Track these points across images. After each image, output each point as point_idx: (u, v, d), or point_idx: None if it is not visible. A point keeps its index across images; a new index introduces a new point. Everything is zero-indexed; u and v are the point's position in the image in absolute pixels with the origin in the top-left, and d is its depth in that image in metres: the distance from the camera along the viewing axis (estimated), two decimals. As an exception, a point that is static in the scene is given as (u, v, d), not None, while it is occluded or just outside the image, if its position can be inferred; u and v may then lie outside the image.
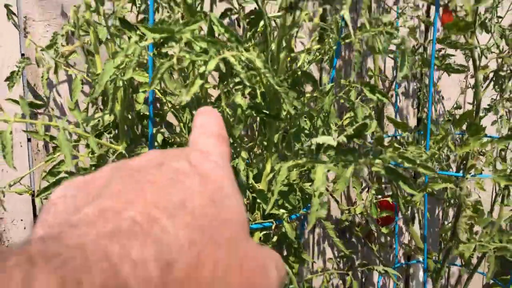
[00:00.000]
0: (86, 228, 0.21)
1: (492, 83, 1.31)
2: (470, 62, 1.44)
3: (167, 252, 0.20)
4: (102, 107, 0.95)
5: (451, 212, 1.76)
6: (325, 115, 1.01)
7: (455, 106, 1.63)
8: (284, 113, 0.84)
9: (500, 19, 1.40)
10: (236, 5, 0.88)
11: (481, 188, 1.16)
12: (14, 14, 1.01)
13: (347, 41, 0.82)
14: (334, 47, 0.82)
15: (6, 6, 0.98)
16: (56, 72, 0.84)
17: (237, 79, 0.76)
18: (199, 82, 0.59)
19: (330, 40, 0.81)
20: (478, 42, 1.49)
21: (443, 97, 1.77)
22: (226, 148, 0.30)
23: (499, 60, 1.21)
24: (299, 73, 0.85)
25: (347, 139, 0.72)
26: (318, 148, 0.75)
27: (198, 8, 0.83)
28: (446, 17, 1.10)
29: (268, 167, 0.82)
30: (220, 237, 0.23)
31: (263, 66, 0.67)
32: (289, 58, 0.81)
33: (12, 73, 1.04)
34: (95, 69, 0.84)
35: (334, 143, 0.71)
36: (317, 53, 0.87)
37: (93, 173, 0.27)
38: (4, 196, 0.85)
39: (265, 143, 0.84)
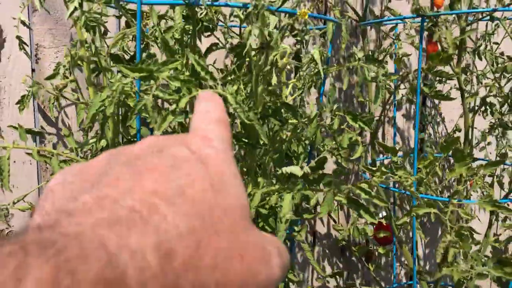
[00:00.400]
0: (83, 216, 0.20)
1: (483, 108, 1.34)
2: (469, 87, 1.47)
3: (166, 241, 0.20)
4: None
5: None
6: (311, 140, 1.06)
7: (454, 128, 1.66)
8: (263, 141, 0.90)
9: (496, 46, 1.43)
10: (223, 40, 0.94)
11: (466, 214, 1.19)
12: (26, 44, 1.10)
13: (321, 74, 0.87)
14: (308, 83, 0.88)
15: (18, 37, 1.07)
16: (57, 99, 0.92)
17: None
18: (170, 118, 0.66)
19: (305, 74, 0.86)
20: (476, 68, 1.53)
21: (444, 119, 1.79)
22: (227, 133, 0.29)
23: (487, 88, 1.24)
24: (279, 104, 0.91)
25: (311, 170, 0.77)
26: (289, 176, 0.80)
27: (192, 42, 0.90)
28: (431, 47, 1.14)
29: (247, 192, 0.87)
30: (220, 225, 0.22)
31: (234, 103, 0.73)
32: (268, 91, 0.87)
33: (23, 96, 1.13)
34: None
35: (300, 173, 0.76)
36: (298, 85, 0.93)
37: (91, 160, 0.27)
38: (8, 213, 0.92)
39: (245, 169, 0.90)
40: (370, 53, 1.42)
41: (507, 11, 1.30)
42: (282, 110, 0.94)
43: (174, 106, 0.68)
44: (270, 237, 0.26)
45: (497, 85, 1.20)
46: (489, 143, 1.22)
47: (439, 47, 1.13)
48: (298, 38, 0.78)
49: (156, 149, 0.25)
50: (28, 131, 0.86)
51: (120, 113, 0.86)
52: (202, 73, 0.75)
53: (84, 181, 0.25)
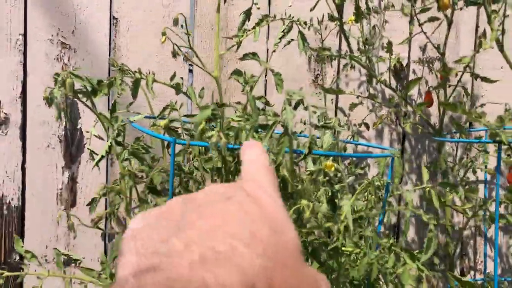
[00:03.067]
0: (179, 259, 0.24)
1: None
2: None
3: (248, 278, 0.24)
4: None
5: None
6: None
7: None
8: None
9: None
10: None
11: None
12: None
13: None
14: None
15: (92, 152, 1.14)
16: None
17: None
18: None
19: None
20: None
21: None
22: (274, 178, 0.33)
23: None
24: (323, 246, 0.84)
25: None
26: None
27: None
28: (511, 176, 1.01)
29: None
30: (285, 262, 0.26)
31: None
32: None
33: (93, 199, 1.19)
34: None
35: None
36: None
37: (165, 206, 0.31)
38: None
39: None
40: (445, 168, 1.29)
41: None
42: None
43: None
44: (318, 272, 0.30)
45: None
46: None
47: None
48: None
49: (223, 197, 0.29)
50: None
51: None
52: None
53: (167, 225, 0.28)
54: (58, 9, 1.34)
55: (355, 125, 1.48)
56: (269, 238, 0.26)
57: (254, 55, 0.93)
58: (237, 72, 0.97)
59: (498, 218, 1.02)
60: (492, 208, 1.28)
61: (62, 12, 1.34)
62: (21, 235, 1.37)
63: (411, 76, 1.53)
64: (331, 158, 0.69)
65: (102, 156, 0.76)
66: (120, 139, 0.77)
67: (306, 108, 0.64)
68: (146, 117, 0.98)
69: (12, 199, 1.36)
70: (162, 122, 0.77)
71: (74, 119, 1.37)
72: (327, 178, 0.73)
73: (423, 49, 1.52)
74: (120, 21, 1.37)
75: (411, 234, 1.58)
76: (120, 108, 1.02)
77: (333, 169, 0.67)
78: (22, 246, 0.88)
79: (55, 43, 1.34)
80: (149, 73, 1.00)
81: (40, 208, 1.36)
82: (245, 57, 0.94)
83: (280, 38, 0.93)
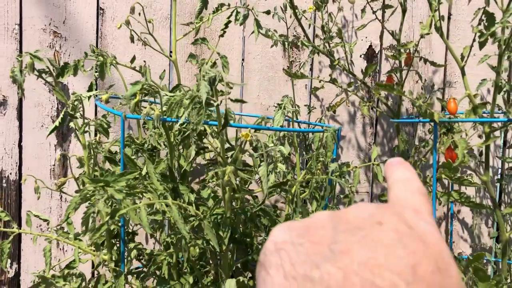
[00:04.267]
0: None
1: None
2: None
3: None
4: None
5: None
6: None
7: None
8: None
9: None
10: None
11: None
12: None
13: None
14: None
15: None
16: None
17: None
18: (104, 227, 0.74)
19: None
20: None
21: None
22: (430, 205, 0.29)
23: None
24: (253, 210, 0.94)
25: None
26: None
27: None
28: (448, 154, 1.07)
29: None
30: None
31: (177, 217, 0.79)
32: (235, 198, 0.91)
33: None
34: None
35: (235, 288, 0.78)
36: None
37: (310, 220, 0.29)
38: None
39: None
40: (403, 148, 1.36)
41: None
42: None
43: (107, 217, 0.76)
44: None
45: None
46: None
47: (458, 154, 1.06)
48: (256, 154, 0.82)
49: (374, 220, 0.26)
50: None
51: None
52: (157, 184, 0.83)
53: (314, 245, 0.26)
54: (50, 0, 1.47)
55: (328, 109, 1.56)
56: (434, 278, 0.24)
57: (203, 40, 1.02)
58: (192, 56, 1.07)
59: (435, 195, 1.09)
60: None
61: (54, 3, 1.47)
62: (19, 207, 1.51)
63: (383, 62, 1.59)
64: (250, 129, 0.79)
65: (55, 127, 0.88)
66: (74, 113, 0.88)
67: (223, 84, 0.74)
68: (112, 97, 1.09)
69: (10, 173, 1.51)
70: (103, 97, 0.88)
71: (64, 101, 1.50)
72: (251, 147, 0.83)
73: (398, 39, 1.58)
74: (106, 12, 1.49)
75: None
76: (101, 89, 1.13)
77: (248, 138, 0.77)
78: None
79: (47, 32, 1.48)
80: (131, 58, 1.11)
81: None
82: (196, 41, 1.03)
83: (226, 25, 1.02)
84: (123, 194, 0.78)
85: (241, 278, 0.79)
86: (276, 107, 1.28)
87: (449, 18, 1.59)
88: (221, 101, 0.76)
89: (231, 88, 0.75)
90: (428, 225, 0.26)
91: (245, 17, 1.13)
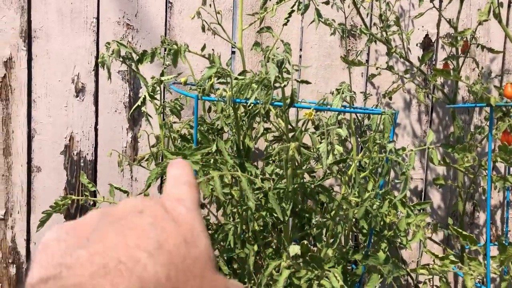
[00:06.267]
0: (80, 269, 0.25)
1: None
2: None
3: (149, 286, 0.25)
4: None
5: None
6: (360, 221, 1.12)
7: None
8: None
9: None
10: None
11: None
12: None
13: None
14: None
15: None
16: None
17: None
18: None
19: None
20: None
21: None
22: (196, 194, 0.33)
23: None
24: (312, 186, 1.01)
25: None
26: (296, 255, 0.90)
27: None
28: (504, 137, 1.10)
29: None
30: (192, 272, 0.27)
31: (247, 187, 0.88)
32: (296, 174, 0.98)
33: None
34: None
35: (299, 252, 0.85)
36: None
37: (81, 218, 0.31)
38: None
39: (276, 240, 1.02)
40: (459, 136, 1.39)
41: None
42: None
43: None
44: (233, 281, 0.32)
45: None
46: None
47: (514, 138, 1.09)
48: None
49: (137, 210, 0.29)
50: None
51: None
52: (227, 158, 0.92)
53: (77, 238, 0.29)
54: (124, -5, 1.60)
55: (384, 96, 1.61)
56: (178, 250, 0.27)
57: (268, 29, 1.10)
58: (256, 44, 1.16)
59: (490, 178, 1.12)
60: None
61: (127, -2, 1.60)
62: (95, 185, 1.66)
63: (440, 51, 1.62)
64: (313, 108, 0.86)
65: (137, 105, 0.99)
66: (155, 94, 0.99)
67: (284, 71, 0.82)
68: (187, 84, 1.19)
69: (87, 154, 1.66)
70: (182, 79, 0.98)
71: (136, 88, 1.63)
72: (313, 126, 0.90)
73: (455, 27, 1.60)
74: (174, 5, 1.61)
75: (437, 200, 1.68)
76: (170, 72, 1.24)
77: (311, 116, 0.84)
78: (86, 180, 1.14)
79: (121, 24, 1.61)
80: (202, 47, 1.21)
81: (108, 162, 1.64)
82: (261, 30, 1.11)
83: (289, 14, 1.09)
84: (199, 165, 0.87)
85: (305, 241, 0.87)
86: (332, 94, 1.35)
87: (509, 6, 1.59)
88: (287, 82, 0.84)
89: (296, 70, 0.82)
90: (186, 209, 0.30)
91: (306, 7, 1.20)
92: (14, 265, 1.70)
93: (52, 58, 1.62)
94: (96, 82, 1.63)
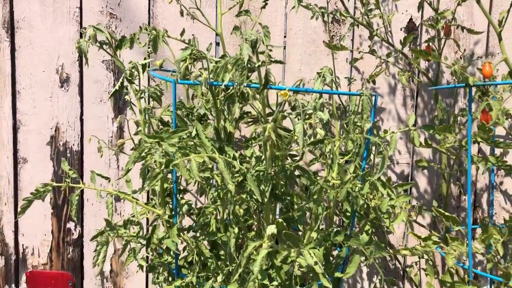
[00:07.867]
0: None
1: None
2: None
3: None
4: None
5: None
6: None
7: None
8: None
9: None
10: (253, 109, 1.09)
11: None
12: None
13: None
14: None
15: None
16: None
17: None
18: (160, 175, 0.84)
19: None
20: None
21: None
22: None
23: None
24: (292, 167, 1.01)
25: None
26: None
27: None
28: (483, 116, 1.11)
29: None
30: None
31: (224, 168, 0.88)
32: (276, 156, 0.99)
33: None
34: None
35: (275, 232, 0.86)
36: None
37: None
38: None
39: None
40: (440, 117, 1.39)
41: None
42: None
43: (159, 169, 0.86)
44: None
45: None
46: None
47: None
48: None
49: None
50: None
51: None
52: (205, 141, 0.93)
53: None
54: (106, -16, 1.59)
55: (367, 81, 1.61)
56: None
57: (246, 12, 1.10)
58: (236, 28, 1.16)
59: (470, 158, 1.13)
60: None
61: (110, -13, 1.59)
62: (81, 175, 1.66)
63: (424, 35, 1.62)
64: (288, 89, 0.87)
65: (116, 90, 0.99)
66: (132, 78, 0.99)
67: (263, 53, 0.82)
68: (163, 69, 1.19)
69: (73, 144, 1.66)
70: (158, 62, 0.98)
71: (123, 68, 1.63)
72: (290, 107, 0.90)
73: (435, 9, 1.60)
74: (157, -7, 1.60)
75: (423, 184, 1.69)
76: (155, 60, 1.24)
77: (287, 97, 0.84)
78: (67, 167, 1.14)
79: (104, 14, 1.60)
80: (181, 31, 1.21)
81: (94, 152, 1.64)
82: (239, 14, 1.11)
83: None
84: (176, 148, 0.88)
85: (280, 220, 0.87)
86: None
87: (491, -11, 1.59)
88: (262, 62, 0.84)
89: (270, 50, 0.82)
90: None
91: (286, -10, 1.20)
92: (3, 257, 1.70)
93: (35, 49, 1.61)
94: (81, 72, 1.63)
